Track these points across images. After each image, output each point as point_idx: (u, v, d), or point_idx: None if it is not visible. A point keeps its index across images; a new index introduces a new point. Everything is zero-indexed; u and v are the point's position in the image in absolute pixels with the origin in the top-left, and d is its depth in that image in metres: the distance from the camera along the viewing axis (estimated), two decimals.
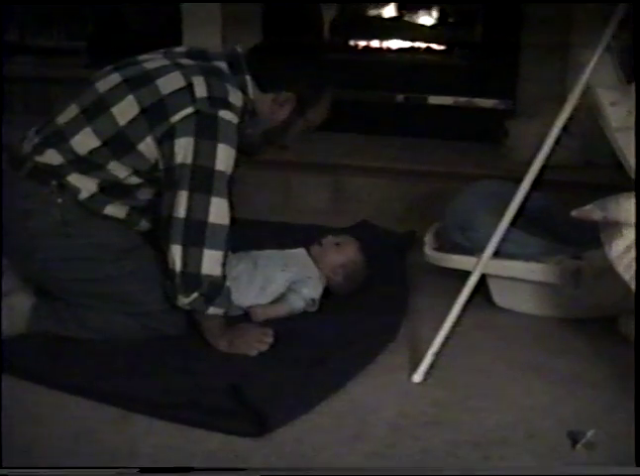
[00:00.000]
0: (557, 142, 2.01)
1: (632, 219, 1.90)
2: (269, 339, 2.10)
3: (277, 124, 2.20)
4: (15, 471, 1.60)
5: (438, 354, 2.01)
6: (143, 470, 1.61)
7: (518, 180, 2.04)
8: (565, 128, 2.01)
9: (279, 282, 2.32)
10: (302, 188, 3.34)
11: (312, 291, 2.33)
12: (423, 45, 3.69)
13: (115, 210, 2.11)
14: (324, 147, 3.34)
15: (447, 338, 2.02)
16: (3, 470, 1.58)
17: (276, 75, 2.15)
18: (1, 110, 3.69)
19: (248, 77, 2.13)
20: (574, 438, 1.73)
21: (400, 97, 3.65)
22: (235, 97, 2.06)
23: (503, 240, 2.07)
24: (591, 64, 1.93)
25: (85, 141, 2.04)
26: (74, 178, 2.05)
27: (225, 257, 2.03)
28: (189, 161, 1.98)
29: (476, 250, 2.16)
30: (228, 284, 2.09)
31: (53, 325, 2.12)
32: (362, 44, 3.76)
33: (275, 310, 2.28)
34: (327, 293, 2.40)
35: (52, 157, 2.05)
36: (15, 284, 2.20)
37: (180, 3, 3.45)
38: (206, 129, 1.99)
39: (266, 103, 2.16)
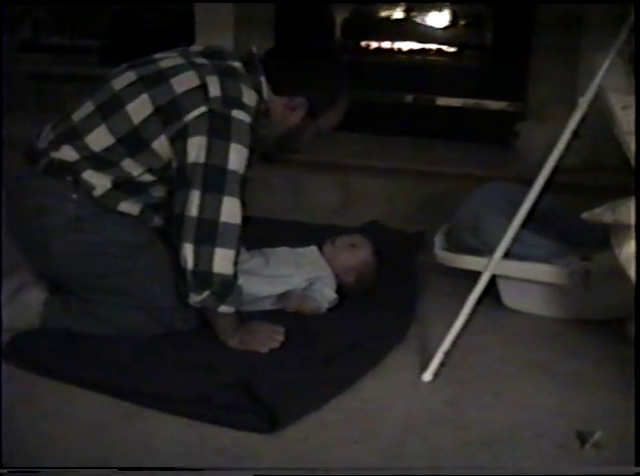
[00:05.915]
0: (568, 145, 2.02)
1: None
2: (280, 337, 2.11)
3: (290, 128, 2.20)
4: (15, 471, 1.59)
5: (448, 353, 2.02)
6: (136, 469, 1.62)
7: (528, 182, 2.05)
8: (575, 131, 2.01)
9: (296, 280, 2.33)
10: (312, 188, 3.34)
11: (332, 291, 2.35)
12: (434, 46, 3.69)
13: (129, 207, 2.11)
14: (334, 147, 3.34)
15: (457, 338, 2.03)
16: (3, 470, 1.58)
17: (289, 80, 2.15)
18: (1, 107, 3.71)
19: (262, 79, 2.13)
20: (582, 438, 1.74)
21: (410, 98, 3.65)
22: (249, 97, 2.05)
23: (514, 241, 2.08)
24: (604, 69, 1.94)
25: (100, 138, 2.05)
26: (89, 175, 2.05)
27: (237, 256, 2.04)
28: (202, 160, 1.98)
29: (486, 251, 2.18)
30: (240, 281, 2.09)
31: (66, 320, 2.13)
32: (373, 45, 3.76)
33: (309, 305, 2.29)
34: (337, 291, 2.41)
35: (67, 153, 2.06)
36: (28, 278, 2.21)
37: (193, 5, 3.45)
38: (219, 128, 1.99)
39: (279, 107, 2.16)
